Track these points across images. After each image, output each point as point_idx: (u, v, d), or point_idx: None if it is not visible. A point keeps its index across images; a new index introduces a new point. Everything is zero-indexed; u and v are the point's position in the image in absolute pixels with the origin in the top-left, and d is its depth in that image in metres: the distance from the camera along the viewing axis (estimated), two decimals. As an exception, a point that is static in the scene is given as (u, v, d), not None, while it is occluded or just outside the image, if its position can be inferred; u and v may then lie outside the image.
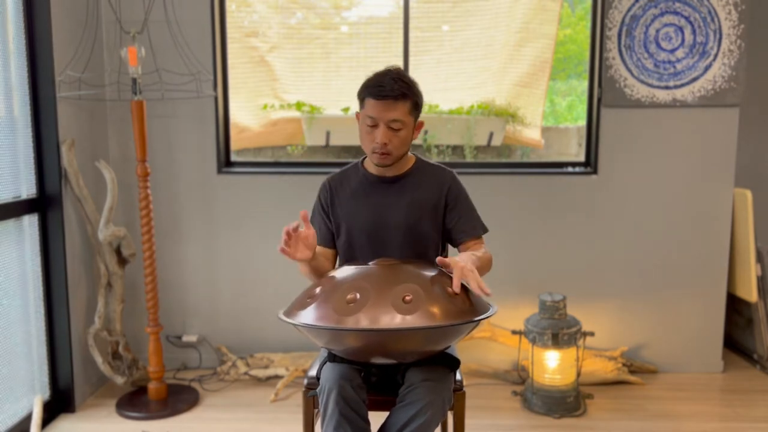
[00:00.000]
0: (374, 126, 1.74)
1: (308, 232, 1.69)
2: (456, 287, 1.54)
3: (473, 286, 1.53)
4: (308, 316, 1.52)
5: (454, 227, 1.86)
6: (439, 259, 1.60)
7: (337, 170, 1.96)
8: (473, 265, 1.59)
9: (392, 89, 1.70)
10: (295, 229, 1.65)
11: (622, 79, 3.01)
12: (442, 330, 1.46)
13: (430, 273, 1.59)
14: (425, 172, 1.88)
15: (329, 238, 1.92)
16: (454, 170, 1.93)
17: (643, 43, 2.99)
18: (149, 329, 2.83)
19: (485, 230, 1.90)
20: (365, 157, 1.91)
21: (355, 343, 1.48)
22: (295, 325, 1.53)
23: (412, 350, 1.53)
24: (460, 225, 1.86)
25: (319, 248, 1.91)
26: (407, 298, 1.48)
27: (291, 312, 1.58)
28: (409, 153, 1.89)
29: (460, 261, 1.59)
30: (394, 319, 1.43)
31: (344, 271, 1.62)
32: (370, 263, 1.66)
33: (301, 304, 1.57)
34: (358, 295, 1.50)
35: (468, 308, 1.52)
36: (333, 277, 1.61)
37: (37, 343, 2.68)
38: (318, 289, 1.58)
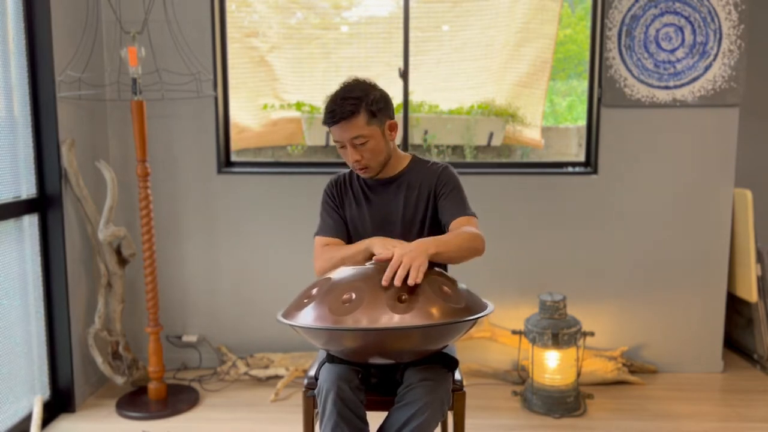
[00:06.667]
0: (343, 147, 1.79)
1: None
2: (385, 280, 1.48)
3: (396, 276, 1.47)
4: (305, 317, 1.52)
5: (443, 213, 1.85)
6: (375, 258, 1.59)
7: (340, 171, 1.99)
8: (423, 251, 1.55)
9: (341, 111, 1.72)
10: None
11: (622, 79, 3.00)
12: (438, 329, 1.46)
13: (425, 272, 1.59)
14: (420, 170, 1.90)
15: (345, 230, 1.92)
16: (454, 169, 1.93)
17: (643, 43, 2.99)
18: (149, 329, 2.83)
19: (469, 214, 1.83)
20: None
21: (352, 343, 1.48)
22: (292, 326, 1.53)
23: (409, 350, 1.53)
24: (446, 208, 1.84)
25: (336, 241, 1.90)
26: (403, 297, 1.48)
27: (288, 313, 1.58)
28: (405, 153, 1.94)
29: (400, 249, 1.55)
30: (389, 319, 1.43)
31: (340, 272, 1.63)
32: (366, 263, 1.66)
33: (298, 306, 1.57)
34: (353, 295, 1.50)
35: (464, 307, 1.52)
36: (329, 278, 1.61)
37: (37, 343, 2.69)
38: (315, 290, 1.58)
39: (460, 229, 1.75)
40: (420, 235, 1.87)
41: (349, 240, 1.93)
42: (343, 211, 1.94)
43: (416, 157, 1.94)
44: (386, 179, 1.89)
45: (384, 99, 1.80)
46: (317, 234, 1.94)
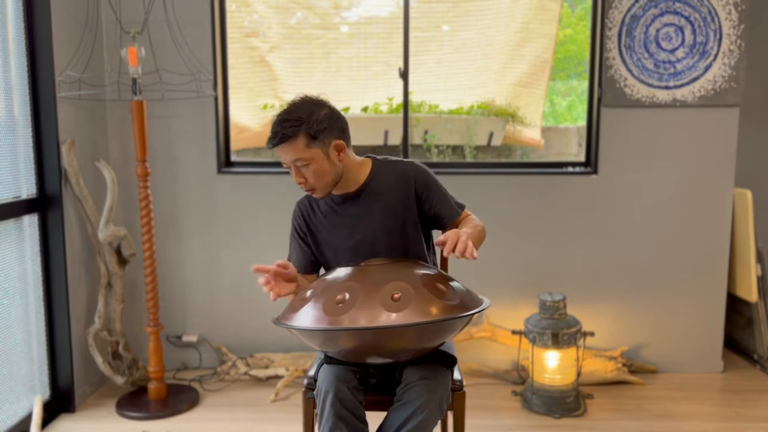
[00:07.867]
0: (289, 168, 1.74)
1: (288, 272, 1.68)
2: (447, 252, 1.51)
3: (464, 250, 1.50)
4: (300, 318, 1.52)
5: (435, 215, 1.83)
6: (437, 240, 1.56)
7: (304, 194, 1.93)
8: (466, 236, 1.56)
9: (279, 135, 1.66)
10: (275, 274, 1.64)
11: (622, 79, 3.00)
12: (432, 326, 1.45)
13: (419, 271, 1.59)
14: (386, 174, 1.83)
15: (307, 264, 1.90)
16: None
17: (643, 43, 2.99)
18: (149, 329, 2.83)
19: (462, 207, 1.85)
20: None
21: (347, 343, 1.48)
22: (287, 327, 1.53)
23: (404, 348, 1.53)
24: (439, 212, 1.82)
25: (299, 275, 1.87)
26: (396, 296, 1.47)
27: (284, 315, 1.59)
28: (363, 158, 1.85)
29: (454, 230, 1.58)
30: (382, 317, 1.43)
31: (335, 273, 1.63)
32: (361, 263, 1.66)
33: (293, 307, 1.58)
34: (347, 296, 1.50)
35: (459, 303, 1.52)
36: (324, 279, 1.61)
37: (37, 343, 2.69)
38: (309, 292, 1.59)
39: (474, 224, 1.75)
40: (405, 241, 1.82)
41: (326, 263, 1.88)
42: (314, 236, 1.88)
43: (377, 160, 1.85)
44: (352, 193, 1.81)
45: (329, 119, 1.71)
46: None
